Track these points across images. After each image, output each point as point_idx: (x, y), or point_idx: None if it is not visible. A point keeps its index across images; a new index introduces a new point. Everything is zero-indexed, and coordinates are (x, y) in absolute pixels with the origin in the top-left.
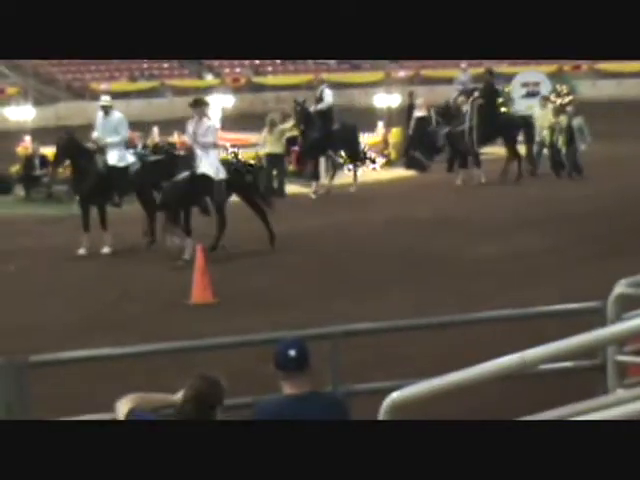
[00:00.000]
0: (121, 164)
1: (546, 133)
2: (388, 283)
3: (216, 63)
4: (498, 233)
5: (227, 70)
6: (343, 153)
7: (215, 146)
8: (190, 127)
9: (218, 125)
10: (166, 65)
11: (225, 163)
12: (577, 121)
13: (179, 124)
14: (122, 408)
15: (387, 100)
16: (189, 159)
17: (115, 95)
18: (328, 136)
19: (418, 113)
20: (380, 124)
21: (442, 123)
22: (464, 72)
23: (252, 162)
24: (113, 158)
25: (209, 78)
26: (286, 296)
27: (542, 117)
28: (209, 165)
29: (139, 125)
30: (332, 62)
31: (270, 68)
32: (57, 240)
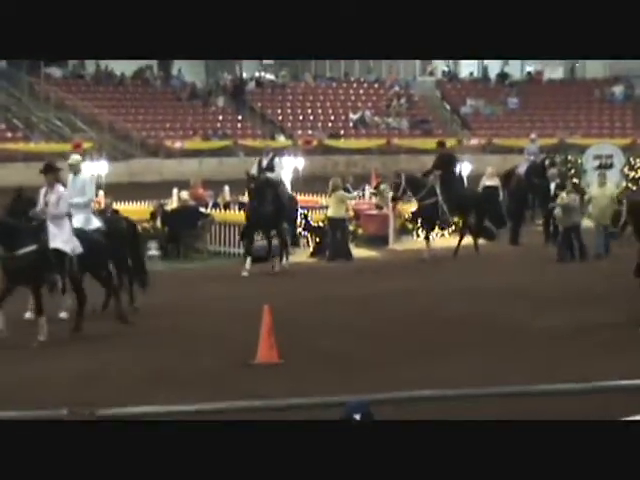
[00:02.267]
0: (87, 227)
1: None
2: (455, 350)
3: (289, 124)
4: (563, 305)
5: (300, 132)
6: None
7: (68, 216)
8: (41, 196)
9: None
10: (239, 125)
11: (78, 236)
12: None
13: None
14: None
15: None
16: (37, 230)
17: (188, 153)
18: (279, 210)
19: (488, 182)
20: None
21: (412, 194)
22: (533, 142)
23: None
24: (79, 221)
25: (281, 139)
26: (352, 360)
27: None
28: (62, 241)
29: (211, 184)
30: (405, 127)
31: (342, 132)
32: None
